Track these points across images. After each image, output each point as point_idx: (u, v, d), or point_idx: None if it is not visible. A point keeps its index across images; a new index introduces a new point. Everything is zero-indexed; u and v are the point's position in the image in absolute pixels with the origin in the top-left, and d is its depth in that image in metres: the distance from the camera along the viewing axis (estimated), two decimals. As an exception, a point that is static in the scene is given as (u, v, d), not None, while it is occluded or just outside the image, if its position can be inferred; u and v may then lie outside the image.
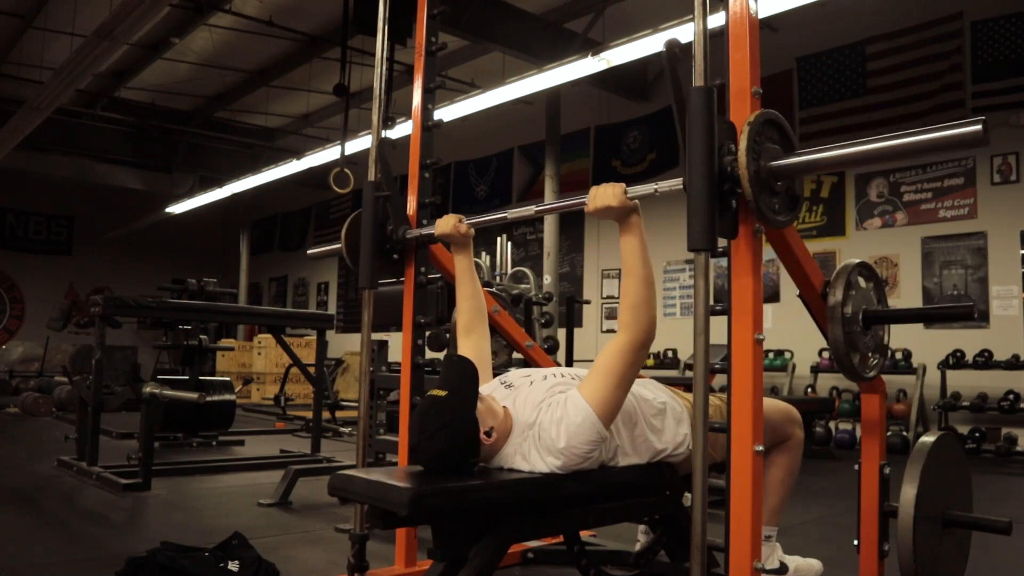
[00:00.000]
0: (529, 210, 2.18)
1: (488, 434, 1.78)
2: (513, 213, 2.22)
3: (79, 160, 12.71)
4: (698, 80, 1.50)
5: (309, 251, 3.21)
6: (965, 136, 1.36)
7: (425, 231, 2.41)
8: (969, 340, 6.56)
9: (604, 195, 1.78)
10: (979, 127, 1.33)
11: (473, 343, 2.23)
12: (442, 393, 1.76)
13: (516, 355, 3.15)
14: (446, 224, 2.29)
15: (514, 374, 2.08)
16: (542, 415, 1.81)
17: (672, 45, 1.49)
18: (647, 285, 1.78)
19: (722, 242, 1.56)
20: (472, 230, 2.30)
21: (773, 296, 7.74)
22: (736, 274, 1.59)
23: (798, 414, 2.16)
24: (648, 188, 1.73)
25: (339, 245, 2.58)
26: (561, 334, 5.27)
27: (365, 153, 5.85)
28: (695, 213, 1.45)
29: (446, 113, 7.41)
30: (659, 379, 2.16)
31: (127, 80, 10.37)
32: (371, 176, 2.49)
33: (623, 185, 1.77)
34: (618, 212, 1.78)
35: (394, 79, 8.14)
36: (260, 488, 4.22)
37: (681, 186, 1.56)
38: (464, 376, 1.81)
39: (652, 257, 1.82)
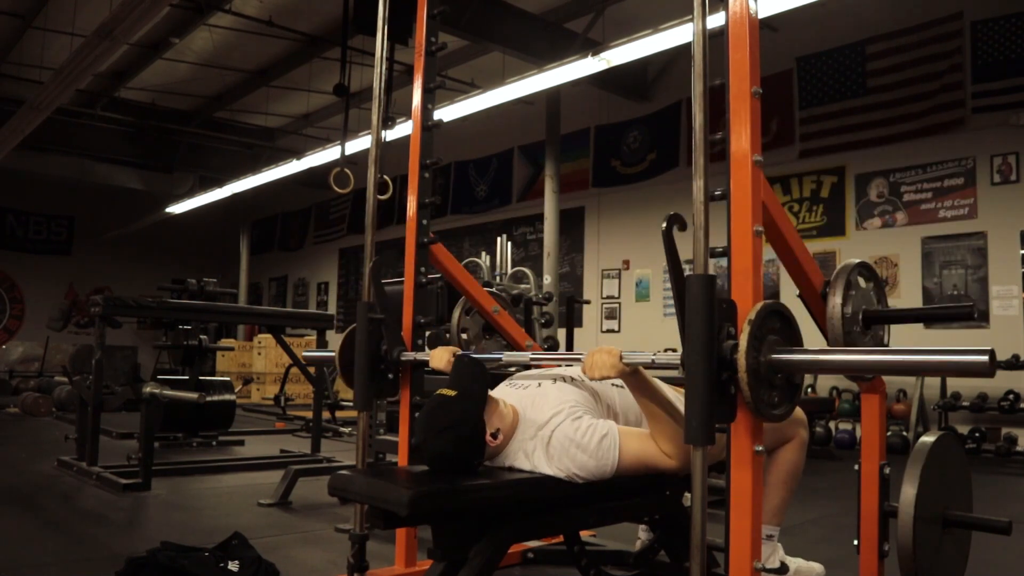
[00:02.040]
0: (525, 356, 2.12)
1: (494, 436, 1.78)
2: (509, 355, 2.16)
3: (79, 160, 12.71)
4: (698, 81, 1.50)
5: (304, 353, 3.20)
6: (971, 365, 1.34)
7: (420, 356, 2.37)
8: (969, 340, 6.56)
9: (602, 365, 1.73)
10: (985, 358, 1.31)
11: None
12: (451, 393, 1.76)
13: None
14: (440, 359, 2.23)
15: (522, 375, 2.09)
16: (560, 423, 1.82)
17: (672, 221, 1.48)
18: (676, 421, 1.78)
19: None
20: None
21: (773, 296, 7.73)
22: (735, 464, 1.56)
23: (803, 414, 2.16)
24: (644, 358, 1.70)
25: (333, 353, 2.57)
26: (561, 334, 5.27)
27: (365, 153, 5.82)
28: (693, 405, 1.45)
29: (446, 113, 7.40)
30: (659, 379, 2.16)
31: (127, 80, 10.37)
32: (370, 177, 2.49)
33: (618, 352, 1.73)
34: (616, 377, 1.77)
35: (394, 79, 8.11)
36: (260, 488, 4.22)
37: (678, 362, 1.54)
38: (474, 377, 1.82)
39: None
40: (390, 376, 2.41)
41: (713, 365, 1.45)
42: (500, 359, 2.12)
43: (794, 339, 1.59)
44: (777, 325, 1.57)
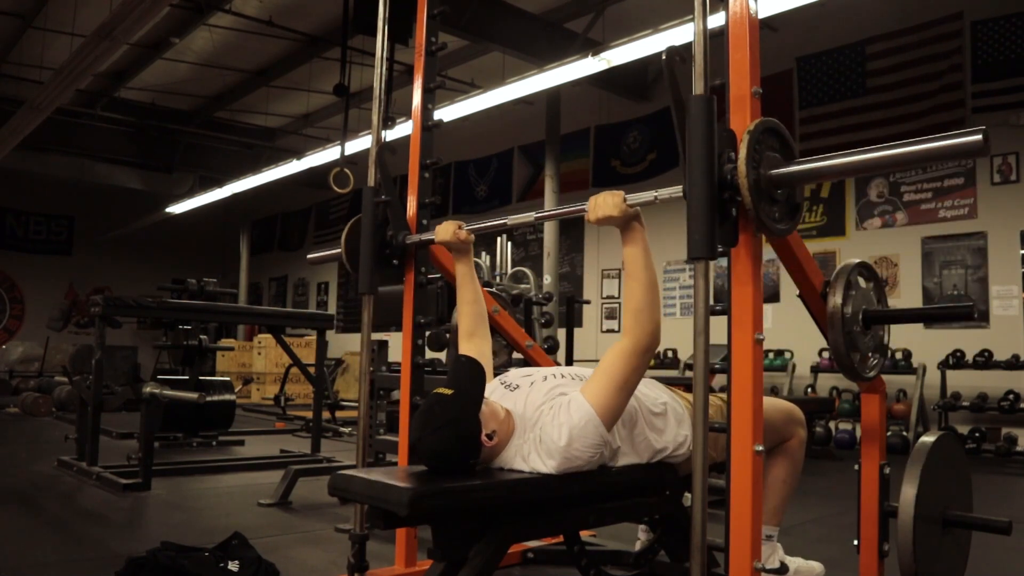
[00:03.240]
0: (529, 217, 2.18)
1: (490, 436, 1.78)
2: (513, 219, 2.22)
3: (79, 160, 12.71)
4: (698, 81, 1.50)
5: (309, 256, 3.20)
6: (965, 145, 1.35)
7: (425, 236, 2.41)
8: (969, 340, 6.56)
9: (604, 204, 1.77)
10: (979, 136, 1.32)
11: (475, 346, 2.23)
12: (448, 391, 1.76)
13: (516, 355, 3.15)
14: (445, 231, 2.28)
15: (514, 374, 2.08)
16: (543, 417, 1.81)
17: (672, 52, 1.49)
18: (650, 290, 1.78)
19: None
20: (472, 236, 2.30)
21: (773, 296, 7.74)
22: (736, 282, 1.59)
23: (801, 413, 2.16)
24: (648, 196, 1.72)
25: (339, 250, 2.58)
26: (561, 334, 5.27)
27: (365, 153, 5.85)
28: (695, 221, 1.45)
29: (446, 113, 7.40)
30: (659, 379, 2.16)
31: (127, 80, 10.37)
32: (371, 179, 2.49)
33: (622, 193, 1.76)
34: (619, 220, 1.78)
35: (394, 79, 8.13)
36: (260, 488, 4.22)
37: (681, 193, 1.56)
38: (471, 377, 1.81)
39: (654, 256, 1.82)
40: (395, 263, 2.46)
41: (714, 185, 1.46)
42: (505, 222, 2.21)
43: (791, 158, 1.60)
44: (775, 144, 1.58)
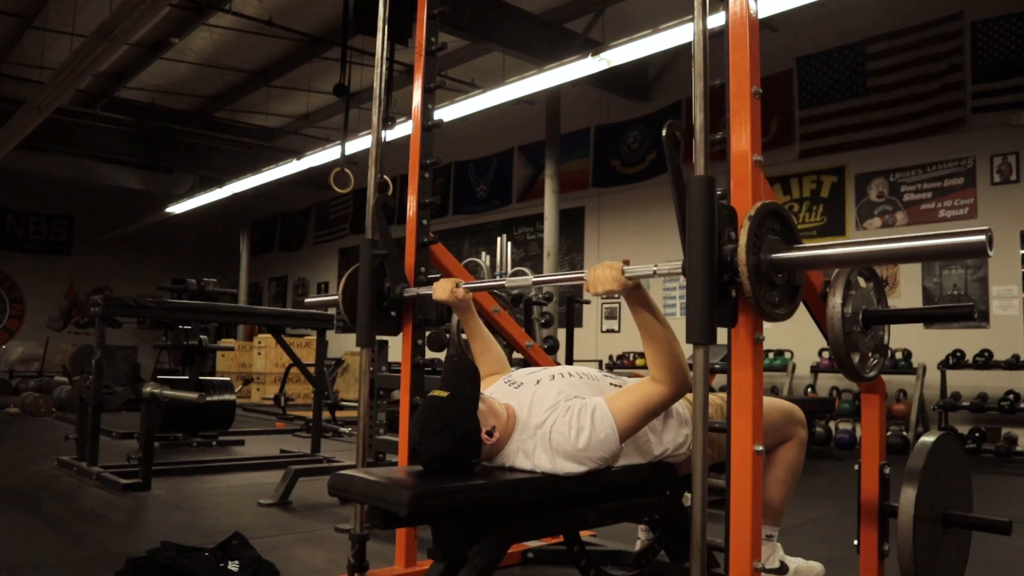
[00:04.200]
0: (527, 280, 2.16)
1: (490, 434, 1.78)
2: (511, 282, 2.26)
3: (79, 160, 12.71)
4: (698, 81, 1.50)
5: (307, 299, 3.24)
6: (968, 245, 1.34)
7: (423, 290, 2.39)
8: (969, 340, 6.56)
9: (604, 279, 1.74)
10: (982, 237, 1.31)
11: (491, 380, 2.22)
12: (444, 394, 1.76)
13: (516, 355, 3.15)
14: (443, 290, 2.26)
15: (518, 373, 2.08)
16: (557, 417, 1.81)
17: (672, 128, 1.48)
18: (671, 344, 1.79)
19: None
20: (470, 295, 2.29)
21: (773, 296, 7.73)
22: (736, 365, 1.57)
23: (801, 413, 2.16)
24: (646, 269, 1.70)
25: (336, 297, 2.57)
26: (561, 334, 5.27)
27: (365, 153, 5.85)
28: (694, 306, 1.45)
29: (446, 113, 7.40)
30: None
31: (127, 80, 10.37)
32: (370, 176, 2.49)
33: (620, 265, 1.74)
34: (619, 292, 1.77)
35: (394, 79, 8.14)
36: (260, 488, 4.22)
37: (680, 270, 1.55)
38: (466, 377, 1.81)
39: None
40: (392, 314, 2.45)
41: (714, 266, 1.46)
42: (503, 284, 2.23)
43: (793, 241, 1.59)
44: (777, 226, 1.58)
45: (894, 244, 1.46)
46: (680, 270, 1.54)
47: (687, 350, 1.53)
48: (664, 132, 1.48)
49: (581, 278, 1.82)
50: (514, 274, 4.89)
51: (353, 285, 2.47)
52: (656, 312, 1.80)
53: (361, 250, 2.40)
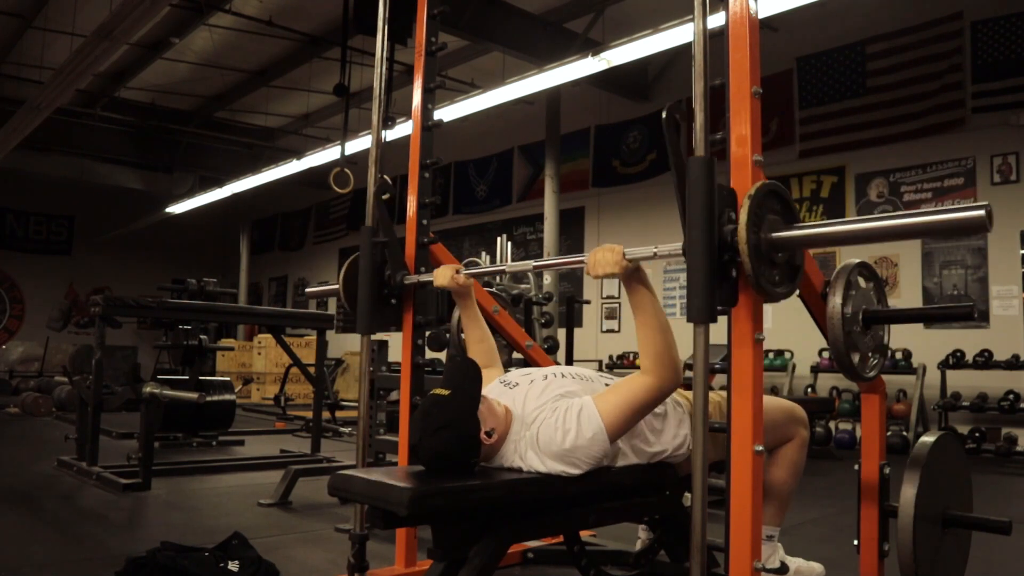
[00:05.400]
0: (527, 265, 2.18)
1: (489, 434, 1.78)
2: (512, 266, 2.27)
3: (79, 160, 12.71)
4: (698, 81, 1.50)
5: (308, 289, 3.25)
6: (968, 220, 1.35)
7: (423, 278, 2.40)
8: (969, 340, 6.56)
9: (604, 262, 1.75)
10: (982, 212, 1.32)
11: (488, 375, 2.22)
12: (445, 392, 1.76)
13: (516, 355, 3.15)
14: (444, 276, 2.27)
15: (514, 373, 2.08)
16: (544, 417, 1.81)
17: (672, 110, 1.48)
18: (666, 333, 1.78)
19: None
20: (470, 280, 2.30)
21: (773, 296, 7.73)
22: (736, 344, 1.57)
23: (803, 413, 2.16)
24: (647, 251, 1.70)
25: (336, 286, 2.58)
26: (561, 334, 5.27)
27: (365, 153, 5.85)
28: (695, 285, 1.45)
29: (446, 113, 7.40)
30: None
31: (127, 80, 10.37)
32: (370, 176, 2.49)
33: (620, 248, 1.74)
34: (620, 276, 1.77)
35: (394, 79, 8.14)
36: (260, 488, 4.22)
37: (680, 252, 1.55)
38: (467, 376, 1.81)
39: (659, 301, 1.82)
40: (393, 302, 2.45)
41: (714, 246, 1.46)
42: (503, 269, 2.25)
43: (793, 221, 1.59)
44: (777, 206, 1.58)
45: (894, 221, 1.46)
46: (680, 251, 1.55)
47: (687, 340, 1.52)
48: (664, 114, 1.49)
49: (582, 262, 1.83)
50: (514, 275, 4.89)
51: (354, 274, 2.47)
52: (654, 298, 1.80)
53: (361, 238, 2.41)
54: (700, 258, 1.45)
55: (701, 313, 1.45)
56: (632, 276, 1.77)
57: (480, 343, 2.30)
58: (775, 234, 1.54)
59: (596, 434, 1.75)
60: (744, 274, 1.51)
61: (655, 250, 1.67)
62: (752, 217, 1.48)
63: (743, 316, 1.56)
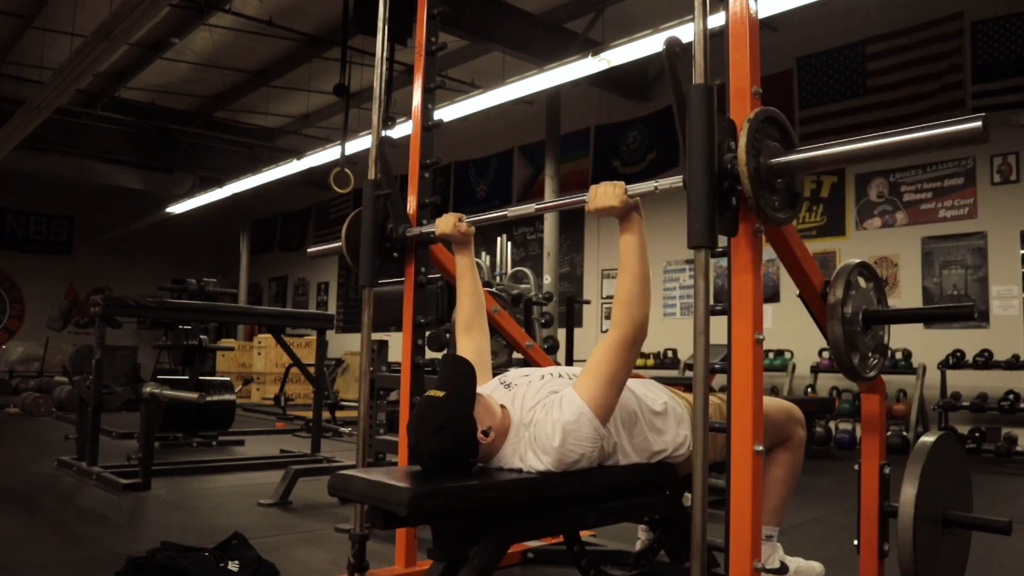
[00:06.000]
0: (529, 208, 2.18)
1: (486, 433, 1.78)
2: (514, 211, 2.21)
3: (79, 160, 12.71)
4: (698, 80, 1.50)
5: (309, 249, 3.23)
6: (965, 132, 1.36)
7: (425, 229, 2.42)
8: (969, 340, 6.56)
9: (605, 194, 1.78)
10: (979, 123, 1.33)
11: (474, 341, 2.23)
12: (440, 394, 1.76)
13: (516, 355, 3.15)
14: (446, 223, 2.29)
15: (513, 374, 2.08)
16: (537, 415, 1.81)
17: (672, 43, 1.49)
18: (642, 281, 1.79)
19: (722, 240, 1.56)
20: (472, 228, 2.30)
21: (773, 296, 7.74)
22: (736, 271, 1.59)
23: (800, 413, 2.16)
24: (648, 186, 1.73)
25: (339, 244, 2.58)
26: (561, 334, 5.27)
27: (365, 153, 5.85)
28: (695, 210, 1.45)
29: (446, 113, 7.40)
30: (659, 379, 2.16)
31: (127, 80, 10.37)
32: (371, 175, 2.49)
33: (623, 184, 1.77)
34: (619, 211, 1.79)
35: (394, 79, 8.14)
36: (260, 488, 4.22)
37: (681, 183, 1.56)
38: (461, 376, 1.81)
39: (652, 258, 1.82)
40: (395, 255, 2.47)
41: (714, 174, 1.46)
42: (506, 214, 2.26)
43: (791, 147, 1.60)
44: (775, 133, 1.59)
45: (892, 138, 1.47)
46: (682, 183, 1.55)
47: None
48: (664, 47, 1.50)
49: (583, 200, 1.85)
50: (514, 275, 4.90)
51: (356, 229, 2.48)
52: (643, 243, 1.81)
53: (364, 191, 2.42)
54: (701, 185, 1.45)
55: (702, 237, 1.44)
56: (629, 213, 1.79)
57: (471, 296, 2.30)
58: (774, 159, 1.55)
59: (580, 415, 1.74)
60: (744, 200, 1.52)
61: (656, 184, 1.70)
62: (751, 142, 1.49)
63: (743, 245, 1.57)
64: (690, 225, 1.45)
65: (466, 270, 2.32)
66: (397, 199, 2.44)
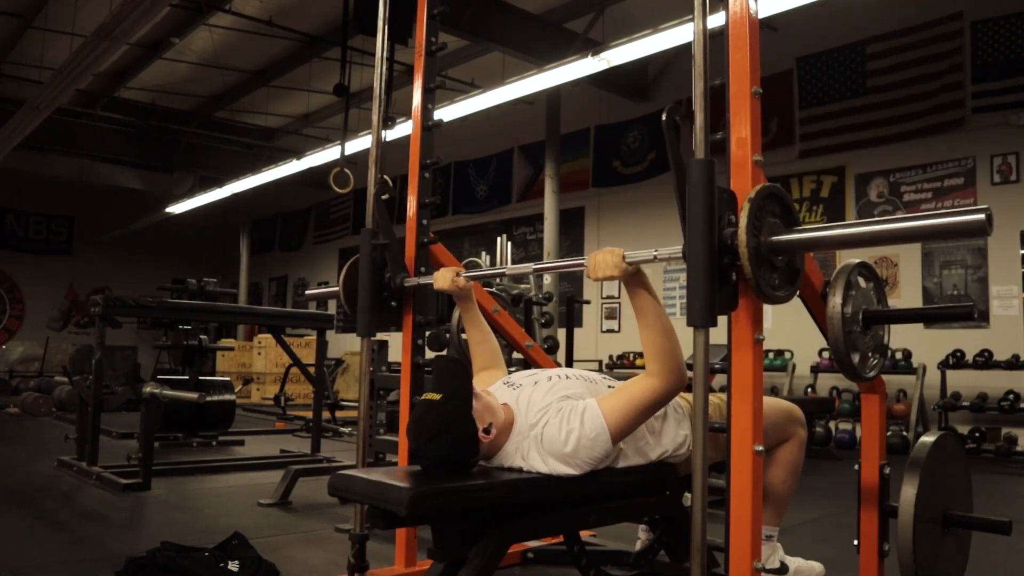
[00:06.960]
0: (527, 268, 2.17)
1: (487, 431, 1.78)
2: (511, 269, 2.27)
3: (79, 160, 12.71)
4: (698, 81, 1.50)
5: (307, 291, 3.26)
6: (968, 224, 1.35)
7: (423, 280, 2.40)
8: (969, 340, 6.56)
9: (604, 264, 1.75)
10: (982, 216, 1.32)
11: (490, 375, 2.22)
12: (436, 396, 1.76)
13: (516, 355, 3.15)
14: (444, 279, 2.26)
15: (519, 375, 2.08)
16: (549, 418, 1.81)
17: (672, 113, 1.48)
18: (670, 335, 1.77)
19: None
20: (470, 284, 2.29)
21: (773, 296, 7.73)
22: (736, 347, 1.57)
23: (800, 413, 2.16)
24: (647, 254, 1.70)
25: (336, 288, 2.57)
26: (561, 334, 5.27)
27: (365, 153, 5.86)
28: (694, 288, 1.45)
29: (446, 113, 7.40)
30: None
31: (127, 80, 10.37)
32: (371, 175, 2.49)
33: (621, 251, 1.74)
34: (620, 278, 1.77)
35: (394, 79, 8.14)
36: (260, 488, 4.22)
37: (680, 254, 1.55)
38: (456, 376, 1.81)
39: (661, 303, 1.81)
40: (393, 304, 2.45)
41: (714, 249, 1.46)
42: (503, 272, 2.29)
43: (793, 224, 1.60)
44: (776, 209, 1.58)
45: (894, 225, 1.47)
46: (680, 254, 1.54)
47: (687, 342, 1.52)
48: (664, 116, 1.49)
49: (582, 264, 1.83)
50: (513, 275, 4.89)
51: (354, 276, 2.47)
52: (655, 300, 1.79)
53: (361, 240, 2.40)
54: (700, 262, 1.44)
55: (701, 317, 1.45)
56: (633, 279, 1.77)
57: (482, 344, 2.30)
58: (775, 237, 1.54)
59: (599, 435, 1.75)
60: (744, 278, 1.50)
61: (655, 253, 1.67)
62: (752, 220, 1.48)
63: (743, 319, 1.56)
64: (689, 304, 1.46)
65: (472, 322, 2.32)
66: (395, 248, 2.42)
